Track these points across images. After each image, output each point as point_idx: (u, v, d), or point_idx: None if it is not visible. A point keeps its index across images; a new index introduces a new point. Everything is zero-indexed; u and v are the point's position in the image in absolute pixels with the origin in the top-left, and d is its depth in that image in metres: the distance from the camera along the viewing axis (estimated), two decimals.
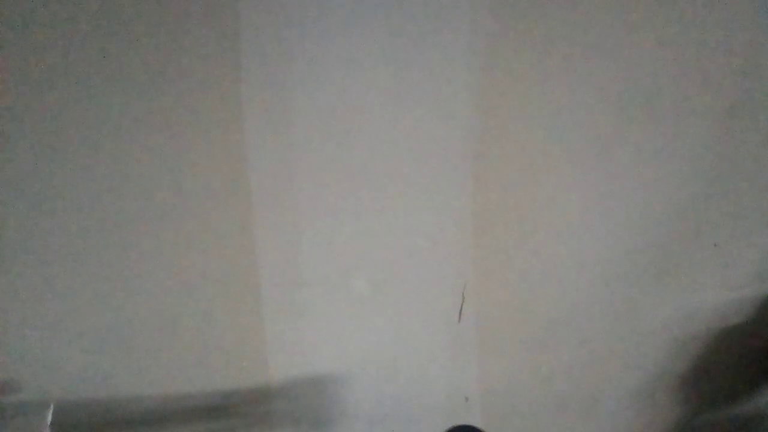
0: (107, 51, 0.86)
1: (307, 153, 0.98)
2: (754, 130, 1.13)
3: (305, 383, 1.12)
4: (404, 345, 1.15)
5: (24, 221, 0.90)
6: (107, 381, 1.02)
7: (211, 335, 1.04)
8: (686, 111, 1.09)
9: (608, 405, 1.30)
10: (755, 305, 1.27)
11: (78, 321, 0.97)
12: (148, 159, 0.92)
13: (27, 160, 0.88)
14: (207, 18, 0.88)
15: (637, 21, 1.02)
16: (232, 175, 0.97)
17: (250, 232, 1.00)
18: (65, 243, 0.93)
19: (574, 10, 0.99)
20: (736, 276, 1.23)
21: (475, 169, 1.06)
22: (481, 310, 1.15)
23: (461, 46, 0.98)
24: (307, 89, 0.95)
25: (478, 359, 1.19)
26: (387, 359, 1.15)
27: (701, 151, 1.12)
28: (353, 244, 1.06)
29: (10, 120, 0.86)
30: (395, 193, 1.04)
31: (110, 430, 1.04)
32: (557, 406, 1.28)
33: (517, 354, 1.22)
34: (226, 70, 0.91)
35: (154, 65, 0.88)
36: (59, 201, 0.91)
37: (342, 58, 0.95)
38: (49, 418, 0.89)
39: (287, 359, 1.09)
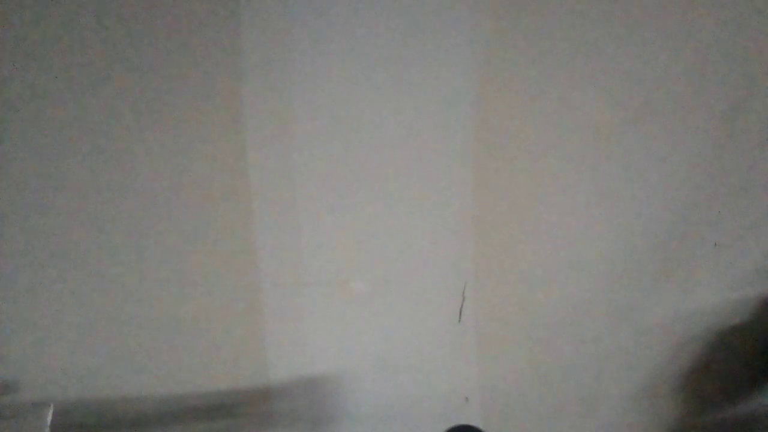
0: (107, 51, 0.86)
1: (307, 153, 0.98)
2: (754, 130, 1.13)
3: (305, 383, 1.12)
4: (404, 345, 1.15)
5: (24, 221, 0.90)
6: (107, 381, 1.02)
7: (211, 335, 1.04)
8: (686, 111, 1.09)
9: (608, 405, 1.30)
10: (755, 305, 1.27)
11: (77, 321, 0.97)
12: (148, 159, 0.92)
13: (27, 160, 0.88)
14: (207, 18, 0.88)
15: (637, 21, 1.02)
16: (232, 175, 0.97)
17: (250, 232, 1.00)
18: (65, 243, 0.93)
19: (574, 9, 0.99)
20: (736, 276, 1.23)
21: (475, 169, 1.06)
22: (481, 310, 1.15)
23: (461, 46, 0.98)
24: (307, 89, 0.95)
25: (478, 359, 1.19)
26: (387, 359, 1.15)
27: (701, 151, 1.12)
28: (353, 244, 1.06)
29: (10, 120, 0.86)
30: (395, 193, 1.04)
31: (110, 430, 1.04)
32: (557, 406, 1.28)
33: (517, 354, 1.22)
34: (226, 70, 0.91)
35: (154, 65, 0.88)
36: (59, 201, 0.91)
37: (342, 58, 0.95)
38: (49, 418, 0.89)
39: (287, 359, 1.09)
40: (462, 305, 1.14)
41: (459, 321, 1.15)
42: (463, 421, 1.07)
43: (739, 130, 1.12)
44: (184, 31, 0.88)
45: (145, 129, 0.91)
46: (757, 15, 1.05)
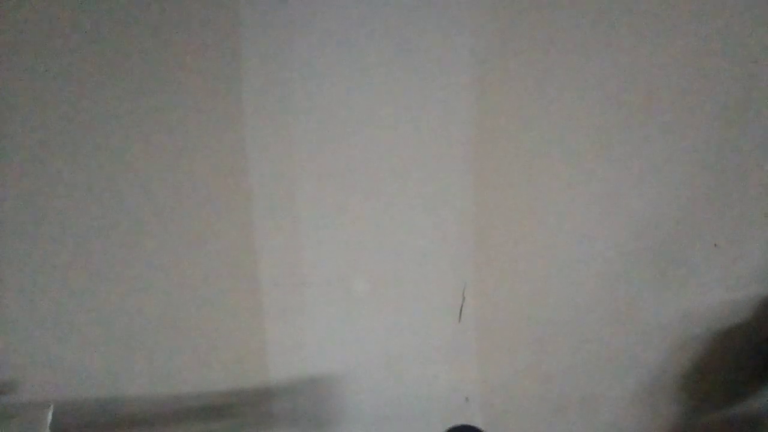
0: (107, 51, 0.86)
1: (307, 153, 0.98)
2: (755, 129, 1.13)
3: (305, 383, 1.12)
4: (404, 345, 1.15)
5: (24, 221, 0.90)
6: (107, 381, 1.02)
7: (211, 335, 1.04)
8: (686, 111, 1.09)
9: (608, 405, 1.30)
10: (755, 305, 1.27)
11: (78, 321, 0.97)
12: (149, 159, 0.92)
13: (27, 161, 0.88)
14: (207, 18, 0.88)
15: (637, 21, 1.02)
16: (232, 175, 0.97)
17: (250, 232, 1.00)
18: (65, 243, 0.93)
19: (574, 10, 0.99)
20: (736, 276, 1.23)
21: (475, 169, 1.06)
22: (481, 310, 1.15)
23: (461, 47, 0.98)
24: (307, 89, 0.95)
25: (478, 359, 1.19)
26: (387, 359, 1.15)
27: (701, 151, 1.12)
28: (353, 244, 1.06)
29: (10, 120, 0.86)
30: (395, 194, 1.04)
31: (110, 430, 1.04)
32: (557, 406, 1.28)
33: (517, 354, 1.21)
34: (226, 70, 0.91)
35: (154, 65, 0.88)
36: (59, 201, 0.91)
37: (342, 58, 0.95)
38: (49, 418, 0.89)
39: (287, 359, 1.09)
40: (462, 305, 1.14)
41: (459, 321, 1.15)
42: (463, 421, 1.07)
43: (739, 130, 1.12)
44: (184, 32, 0.88)
45: (146, 129, 0.91)
46: (757, 15, 1.05)
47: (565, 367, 1.24)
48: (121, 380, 1.02)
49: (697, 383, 1.31)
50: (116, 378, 1.02)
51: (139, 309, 0.99)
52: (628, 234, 1.15)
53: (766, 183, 1.17)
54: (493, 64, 1.00)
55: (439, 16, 0.96)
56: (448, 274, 1.12)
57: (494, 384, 1.22)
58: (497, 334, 1.19)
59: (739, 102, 1.10)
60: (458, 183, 1.06)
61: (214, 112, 0.93)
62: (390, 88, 0.98)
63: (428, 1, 0.95)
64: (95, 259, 0.95)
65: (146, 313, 1.00)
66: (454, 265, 1.11)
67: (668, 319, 1.24)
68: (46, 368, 0.97)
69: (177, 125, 0.92)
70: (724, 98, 1.09)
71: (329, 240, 1.04)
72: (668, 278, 1.21)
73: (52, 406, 0.91)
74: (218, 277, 1.01)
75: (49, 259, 0.93)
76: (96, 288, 0.96)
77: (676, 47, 1.05)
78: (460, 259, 1.11)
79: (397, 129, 1.01)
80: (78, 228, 0.93)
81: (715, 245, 1.20)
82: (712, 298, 1.24)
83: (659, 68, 1.05)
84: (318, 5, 0.92)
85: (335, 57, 0.95)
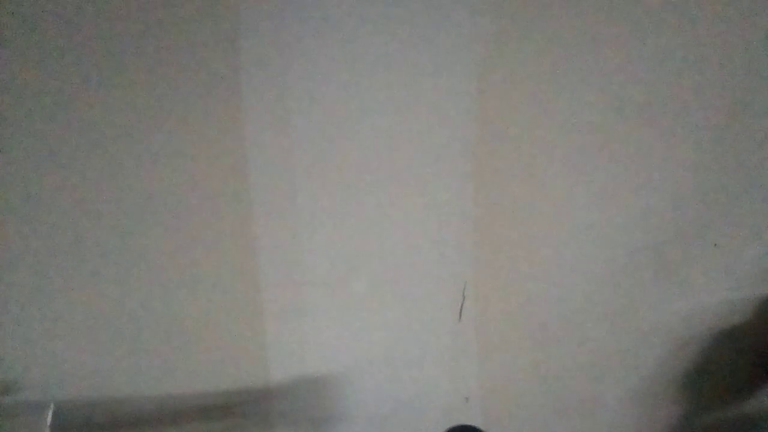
0: (107, 51, 0.86)
1: (307, 153, 0.98)
2: (754, 130, 1.13)
3: (305, 383, 1.12)
4: (404, 345, 1.15)
5: (24, 221, 0.90)
6: (107, 381, 1.02)
7: (211, 335, 1.04)
8: (686, 111, 1.09)
9: (608, 405, 1.30)
10: (755, 305, 1.27)
11: (78, 321, 0.97)
12: (149, 159, 0.92)
13: (27, 161, 0.88)
14: (207, 18, 0.88)
15: (637, 21, 1.02)
16: (232, 175, 0.96)
17: (250, 232, 1.00)
18: (65, 243, 0.93)
19: (573, 10, 0.99)
20: (736, 276, 1.23)
21: (475, 169, 1.06)
22: (481, 310, 1.15)
23: (461, 47, 0.98)
24: (307, 89, 0.95)
25: (478, 359, 1.19)
26: (387, 359, 1.15)
27: (701, 151, 1.12)
28: (353, 244, 1.06)
29: (10, 120, 0.86)
30: (395, 194, 1.04)
31: (110, 430, 1.04)
32: (557, 406, 1.28)
33: (517, 354, 1.21)
34: (226, 69, 0.91)
35: (154, 65, 0.88)
36: (59, 201, 0.91)
37: (342, 58, 0.95)
38: (49, 418, 0.89)
39: (287, 359, 1.09)
40: (462, 305, 1.14)
41: (459, 321, 1.15)
42: (463, 421, 1.07)
43: (738, 130, 1.12)
44: (184, 31, 0.88)
45: (146, 129, 0.91)
46: (757, 15, 1.05)
47: (565, 368, 1.24)
48: (121, 380, 1.02)
49: (697, 383, 1.31)
50: (116, 378, 1.02)
51: (139, 309, 0.99)
52: (627, 234, 1.15)
53: (766, 183, 1.17)
54: (493, 64, 1.00)
55: (440, 16, 0.96)
56: (448, 274, 1.12)
57: (494, 384, 1.22)
58: (497, 334, 1.18)
59: (739, 102, 1.10)
60: (458, 183, 1.06)
61: (214, 112, 0.93)
62: (390, 87, 0.98)
63: (428, 2, 0.95)
64: (95, 259, 0.95)
65: (146, 313, 1.00)
66: (454, 265, 1.11)
67: (668, 319, 1.24)
68: (46, 368, 0.97)
69: (177, 125, 0.92)
70: (725, 98, 1.09)
71: (329, 240, 1.04)
72: (668, 278, 1.21)
73: (52, 406, 0.91)
74: (218, 277, 1.01)
75: (49, 259, 0.93)
76: (96, 288, 0.96)
77: (677, 47, 1.05)
78: (460, 259, 1.11)
79: (397, 129, 1.01)
80: (78, 228, 0.93)
81: (715, 245, 1.20)
82: (712, 298, 1.24)
83: (659, 68, 1.05)
84: (318, 5, 0.92)
85: (335, 57, 0.95)
